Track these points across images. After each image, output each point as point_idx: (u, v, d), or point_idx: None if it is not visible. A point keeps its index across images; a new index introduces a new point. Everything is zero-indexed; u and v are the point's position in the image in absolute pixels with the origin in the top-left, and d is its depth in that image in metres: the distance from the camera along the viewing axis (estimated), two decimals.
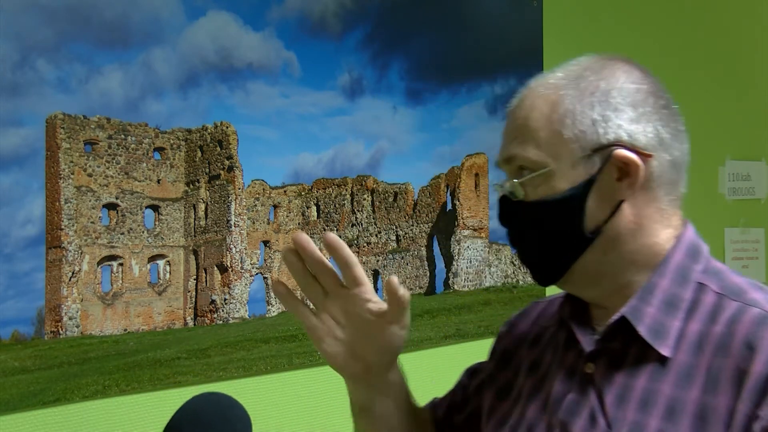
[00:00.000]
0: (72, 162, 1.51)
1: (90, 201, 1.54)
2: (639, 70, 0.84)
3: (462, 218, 2.20)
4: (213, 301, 1.72)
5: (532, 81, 0.87)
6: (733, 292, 0.79)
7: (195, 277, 1.70)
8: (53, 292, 1.49)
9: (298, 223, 1.87)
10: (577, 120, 0.79)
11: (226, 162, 1.73)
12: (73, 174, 1.52)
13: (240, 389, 1.68)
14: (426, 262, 2.13)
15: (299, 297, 0.96)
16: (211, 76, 1.69)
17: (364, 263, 1.99)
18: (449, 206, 2.18)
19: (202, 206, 1.71)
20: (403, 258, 2.07)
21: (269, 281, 1.82)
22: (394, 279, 0.81)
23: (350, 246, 2.00)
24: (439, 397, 1.15)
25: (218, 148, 1.72)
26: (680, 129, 0.82)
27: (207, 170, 1.72)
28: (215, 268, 1.73)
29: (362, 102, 1.97)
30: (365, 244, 2.00)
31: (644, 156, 0.78)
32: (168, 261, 1.67)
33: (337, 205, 1.94)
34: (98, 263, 1.56)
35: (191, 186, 1.70)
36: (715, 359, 0.74)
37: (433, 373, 2.13)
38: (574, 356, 0.85)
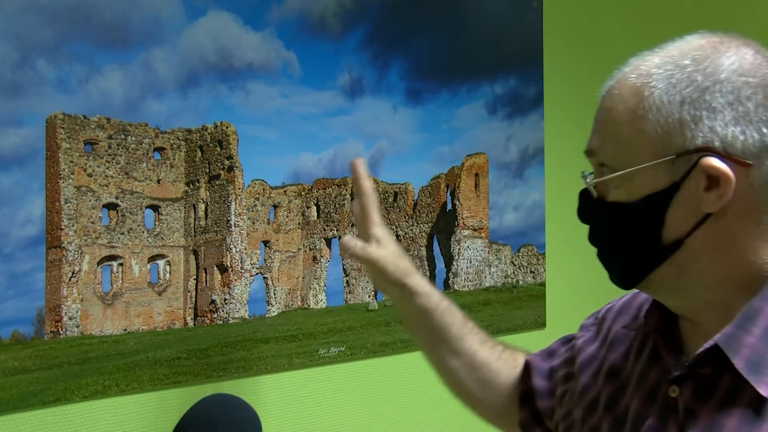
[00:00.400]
0: (72, 162, 1.51)
1: (90, 201, 1.54)
2: (755, 57, 0.71)
3: (462, 218, 2.20)
4: (213, 301, 1.72)
5: (629, 61, 0.77)
6: None
7: (195, 277, 1.70)
8: (53, 292, 1.49)
9: (298, 223, 1.87)
10: (663, 118, 0.70)
11: (226, 162, 1.73)
12: (73, 174, 1.52)
13: (240, 389, 1.68)
14: (426, 262, 2.13)
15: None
16: (211, 76, 1.69)
17: None
18: (449, 206, 2.18)
19: (202, 206, 1.71)
20: None
21: (269, 281, 1.82)
22: (344, 240, 0.94)
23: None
24: (537, 354, 1.04)
25: (218, 148, 1.72)
26: None
27: (207, 170, 1.72)
28: (215, 268, 1.73)
29: (362, 102, 1.97)
30: None
31: (741, 165, 0.68)
32: (168, 261, 1.67)
33: (337, 205, 1.94)
34: (98, 263, 1.56)
35: (191, 186, 1.70)
36: None
37: (433, 373, 2.13)
38: (658, 373, 0.77)
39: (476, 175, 2.24)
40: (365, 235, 0.99)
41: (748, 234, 0.71)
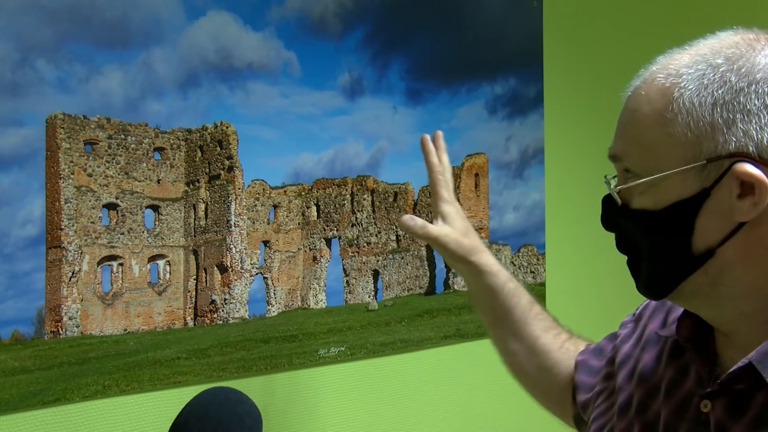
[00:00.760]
0: (72, 162, 1.51)
1: (90, 201, 1.54)
2: None
3: None
4: (213, 301, 1.72)
5: (657, 59, 0.72)
6: None
7: (195, 277, 1.70)
8: (53, 292, 1.49)
9: (298, 223, 1.87)
10: (693, 122, 0.66)
11: (226, 162, 1.73)
12: (73, 174, 1.52)
13: (240, 389, 1.68)
14: (426, 262, 2.13)
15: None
16: (211, 76, 1.69)
17: (364, 263, 1.99)
18: None
19: (202, 206, 1.71)
20: (403, 258, 2.07)
21: (269, 281, 1.82)
22: (404, 219, 0.93)
23: (350, 246, 2.01)
24: (587, 351, 1.01)
25: (218, 148, 1.72)
26: None
27: (207, 170, 1.72)
28: (215, 268, 1.73)
29: (362, 102, 1.97)
30: (365, 244, 2.00)
31: None
32: (168, 261, 1.67)
33: (337, 205, 1.94)
34: (98, 263, 1.56)
35: (191, 186, 1.70)
36: None
37: (433, 373, 2.13)
38: (691, 384, 0.74)
39: (476, 175, 2.24)
40: (434, 212, 1.00)
41: None
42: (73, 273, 1.52)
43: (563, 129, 2.40)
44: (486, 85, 2.25)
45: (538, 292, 2.41)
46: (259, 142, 1.78)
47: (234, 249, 1.75)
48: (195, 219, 1.70)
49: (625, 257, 0.78)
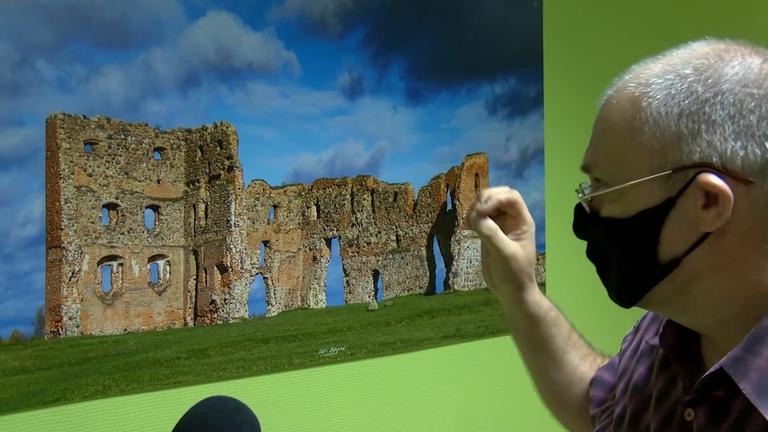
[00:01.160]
0: (72, 162, 1.51)
1: (90, 201, 1.54)
2: (762, 67, 0.67)
3: (462, 218, 2.20)
4: (213, 301, 1.72)
5: (631, 68, 0.73)
6: None
7: (195, 277, 1.70)
8: (53, 292, 1.49)
9: (298, 223, 1.87)
10: (659, 131, 0.66)
11: (226, 162, 1.73)
12: (73, 174, 1.52)
13: (240, 389, 1.68)
14: (426, 262, 2.13)
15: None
16: (211, 76, 1.69)
17: (364, 263, 1.99)
18: (449, 206, 2.18)
19: (202, 206, 1.71)
20: (403, 258, 2.07)
21: (269, 281, 1.82)
22: (488, 223, 0.86)
23: (350, 246, 2.01)
24: (603, 367, 1.01)
25: (218, 148, 1.72)
26: None
27: (207, 170, 1.72)
28: (215, 268, 1.73)
29: (362, 102, 1.97)
30: (365, 244, 2.00)
31: (741, 182, 0.64)
32: (168, 261, 1.67)
33: (337, 205, 1.94)
34: (98, 263, 1.56)
35: (191, 186, 1.70)
36: None
37: (433, 373, 2.13)
38: (677, 393, 0.74)
39: (476, 175, 2.24)
40: (513, 227, 0.92)
41: (750, 254, 0.67)
42: (73, 273, 1.52)
43: (563, 129, 2.40)
44: (486, 85, 2.25)
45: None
46: (259, 142, 1.78)
47: (234, 249, 1.75)
48: (195, 219, 1.70)
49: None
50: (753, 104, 0.65)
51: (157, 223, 1.65)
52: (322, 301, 1.91)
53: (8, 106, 1.42)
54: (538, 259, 2.40)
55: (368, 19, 1.97)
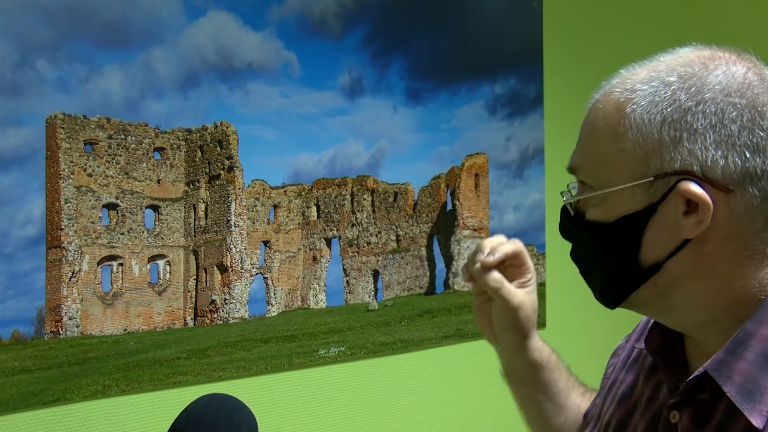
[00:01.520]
0: (72, 162, 1.51)
1: (90, 201, 1.54)
2: (746, 76, 0.68)
3: (462, 218, 2.20)
4: (213, 301, 1.72)
5: (619, 72, 0.74)
6: None
7: (195, 277, 1.70)
8: (53, 292, 1.49)
9: (298, 223, 1.87)
10: (642, 138, 0.67)
11: (226, 162, 1.73)
12: (73, 174, 1.52)
13: (240, 389, 1.68)
14: (426, 262, 2.13)
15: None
16: (211, 76, 1.69)
17: (364, 263, 1.99)
18: (449, 206, 2.18)
19: (202, 206, 1.71)
20: (403, 258, 2.07)
21: (269, 281, 1.82)
22: (494, 276, 0.84)
23: (350, 246, 2.01)
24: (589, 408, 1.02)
25: (218, 148, 1.72)
26: None
27: (207, 170, 1.72)
28: (215, 268, 1.73)
29: (362, 102, 1.97)
30: (365, 244, 2.00)
31: (722, 190, 0.65)
32: (168, 261, 1.67)
33: (337, 205, 1.94)
34: (98, 263, 1.56)
35: (191, 186, 1.70)
36: None
37: (433, 373, 2.13)
38: (663, 396, 0.75)
39: (476, 175, 2.24)
40: (517, 275, 0.91)
41: (730, 260, 0.68)
42: (73, 273, 1.52)
43: (563, 129, 2.40)
44: (486, 85, 2.25)
45: (539, 292, 2.40)
46: (259, 142, 1.79)
47: (234, 249, 1.75)
48: (195, 219, 1.70)
49: None
50: (734, 113, 0.65)
51: (157, 223, 1.65)
52: (322, 301, 1.91)
53: (8, 106, 1.42)
54: (538, 259, 2.40)
55: (368, 19, 1.97)
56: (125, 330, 1.60)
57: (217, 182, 1.73)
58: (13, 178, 1.44)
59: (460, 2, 2.18)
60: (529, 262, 0.90)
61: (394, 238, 2.06)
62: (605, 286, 0.75)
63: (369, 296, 2.00)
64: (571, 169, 0.76)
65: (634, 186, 0.68)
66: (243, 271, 1.77)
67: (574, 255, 0.78)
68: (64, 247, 1.50)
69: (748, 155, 0.65)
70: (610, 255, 0.72)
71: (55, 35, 1.48)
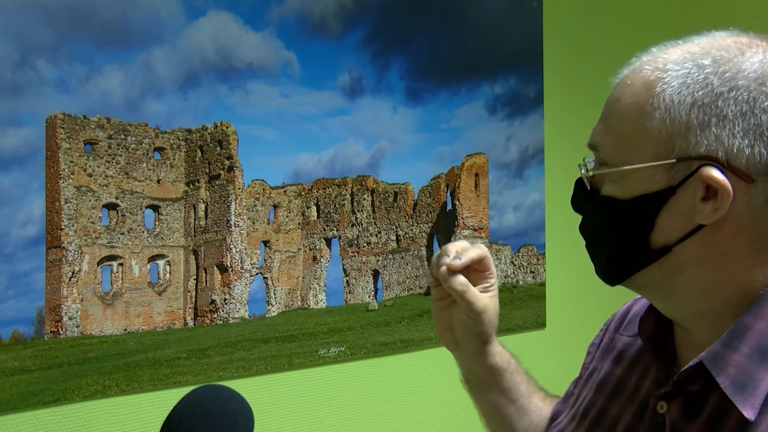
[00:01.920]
0: (72, 162, 1.51)
1: (90, 201, 1.54)
2: None
3: (462, 218, 2.20)
4: (213, 301, 1.72)
5: (650, 50, 0.72)
6: None
7: (195, 277, 1.70)
8: (53, 292, 1.49)
9: (298, 223, 1.87)
10: (669, 119, 0.66)
11: (226, 162, 1.73)
12: (73, 174, 1.52)
13: (240, 389, 1.68)
14: (426, 262, 2.13)
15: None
16: (211, 76, 1.69)
17: (364, 263, 1.99)
18: (449, 206, 2.18)
19: (202, 206, 1.71)
20: (403, 258, 2.07)
21: (269, 281, 1.82)
22: (460, 281, 0.83)
23: (350, 246, 2.01)
24: (556, 407, 1.01)
25: (218, 148, 1.72)
26: None
27: (207, 170, 1.72)
28: (215, 268, 1.73)
29: (362, 102, 1.97)
30: (365, 244, 2.00)
31: (743, 179, 0.64)
32: (168, 261, 1.67)
33: (337, 205, 1.94)
34: (98, 263, 1.56)
35: (191, 186, 1.70)
36: None
37: (433, 373, 2.13)
38: (650, 386, 0.75)
39: (476, 175, 2.24)
40: (480, 280, 0.90)
41: (741, 252, 0.67)
42: (73, 273, 1.52)
43: (563, 129, 2.40)
44: (486, 85, 2.25)
45: (538, 292, 2.41)
46: (259, 142, 1.79)
47: (234, 249, 1.75)
48: (195, 219, 1.70)
49: None
50: (767, 103, 0.65)
51: (157, 223, 1.65)
52: (322, 301, 1.91)
53: (8, 106, 1.42)
54: (538, 259, 2.40)
55: (368, 19, 1.97)
56: (125, 330, 1.60)
57: (217, 182, 1.73)
58: (13, 178, 1.44)
59: (460, 2, 2.18)
60: (493, 268, 0.89)
61: (394, 238, 2.06)
62: (611, 263, 0.74)
63: (369, 296, 2.00)
64: (592, 146, 0.74)
65: (655, 166, 0.67)
66: (243, 271, 1.77)
67: (583, 228, 0.77)
68: (64, 247, 1.50)
69: None
70: (621, 232, 0.71)
71: (55, 35, 1.48)
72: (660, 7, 2.65)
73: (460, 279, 0.85)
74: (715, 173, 0.64)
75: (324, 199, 1.92)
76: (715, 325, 0.69)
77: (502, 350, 0.94)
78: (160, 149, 1.64)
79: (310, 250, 1.90)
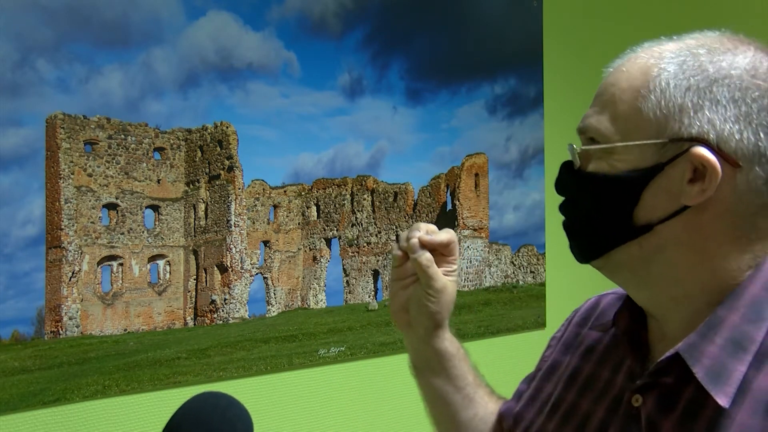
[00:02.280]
0: (72, 162, 1.51)
1: (90, 201, 1.54)
2: None
3: (462, 218, 2.21)
4: (213, 301, 1.72)
5: (644, 44, 0.75)
6: None
7: (195, 277, 1.70)
8: (53, 292, 1.49)
9: (298, 223, 1.87)
10: (665, 101, 0.68)
11: (226, 162, 1.73)
12: (73, 174, 1.52)
13: (240, 389, 1.68)
14: None
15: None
16: (211, 76, 1.69)
17: (364, 263, 1.99)
18: (449, 206, 2.18)
19: (202, 206, 1.71)
20: None
21: (269, 281, 1.82)
22: (427, 257, 0.86)
23: (350, 246, 2.01)
24: (505, 405, 1.01)
25: (218, 148, 1.72)
26: None
27: (207, 170, 1.72)
28: (215, 268, 1.73)
29: (362, 102, 1.97)
30: (365, 244, 2.00)
31: (731, 164, 0.66)
32: (168, 261, 1.67)
33: (337, 205, 1.94)
34: (98, 263, 1.56)
35: (191, 186, 1.70)
36: None
37: None
38: (624, 379, 0.76)
39: (476, 175, 2.24)
40: (443, 264, 0.93)
41: (721, 237, 0.69)
42: (73, 273, 1.52)
43: (563, 129, 2.40)
44: (486, 85, 2.25)
45: (538, 292, 2.41)
46: (259, 142, 1.79)
47: (234, 249, 1.75)
48: (195, 219, 1.70)
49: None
50: (757, 94, 0.67)
51: (157, 223, 1.65)
52: (322, 301, 1.91)
53: (8, 106, 1.42)
54: (538, 259, 2.40)
55: (368, 19, 1.97)
56: (125, 330, 1.60)
57: (217, 182, 1.73)
58: (13, 178, 1.44)
59: (460, 2, 2.18)
60: (457, 254, 0.92)
61: (394, 238, 2.06)
62: (590, 238, 0.75)
63: (369, 296, 2.00)
64: (582, 130, 0.76)
65: (646, 145, 0.69)
66: (243, 271, 1.77)
67: (564, 207, 0.78)
68: (64, 247, 1.50)
69: (762, 135, 0.67)
70: (605, 207, 0.72)
71: (55, 35, 1.48)
72: (660, 7, 2.65)
73: (427, 255, 0.89)
74: (706, 152, 0.66)
75: (324, 199, 1.92)
76: (689, 315, 0.71)
77: (453, 338, 0.95)
78: (160, 149, 1.64)
79: (310, 250, 1.90)
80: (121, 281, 1.60)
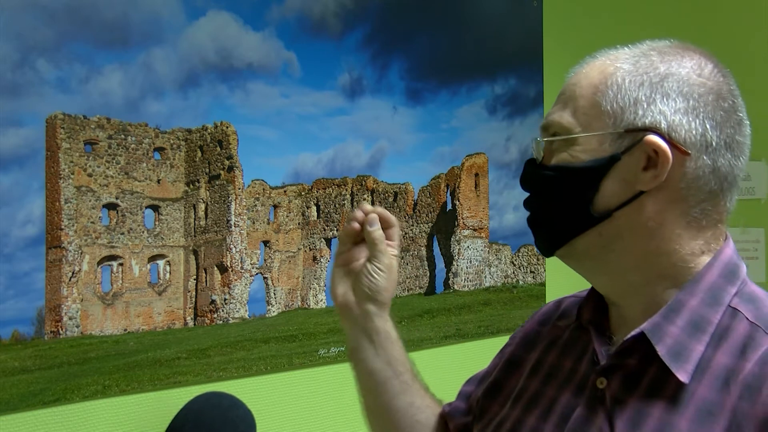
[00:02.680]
0: (72, 162, 1.51)
1: (90, 201, 1.54)
2: (714, 67, 0.77)
3: (462, 218, 2.21)
4: (213, 301, 1.72)
5: (601, 51, 0.83)
6: None
7: (195, 277, 1.70)
8: (53, 292, 1.49)
9: (298, 223, 1.87)
10: (620, 95, 0.75)
11: (226, 162, 1.73)
12: (73, 174, 1.52)
13: (240, 389, 1.68)
14: (426, 262, 2.13)
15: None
16: (211, 76, 1.69)
17: None
18: (449, 206, 2.18)
19: (202, 206, 1.71)
20: (403, 258, 2.07)
21: (269, 281, 1.82)
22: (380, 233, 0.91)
23: None
24: (450, 405, 1.03)
25: (218, 148, 1.72)
26: (738, 140, 0.76)
27: (207, 170, 1.72)
28: (215, 268, 1.73)
29: (362, 102, 1.97)
30: None
31: (680, 152, 0.73)
32: (168, 261, 1.67)
33: (337, 205, 1.94)
34: (98, 263, 1.56)
35: (191, 186, 1.70)
36: (741, 402, 0.67)
37: (433, 373, 2.13)
38: (588, 365, 0.80)
39: (476, 175, 2.24)
40: (386, 246, 0.96)
41: (674, 223, 0.75)
42: (73, 273, 1.52)
43: None
44: (486, 85, 2.25)
45: (538, 292, 2.41)
46: (259, 142, 1.79)
47: (234, 249, 1.75)
48: (195, 219, 1.70)
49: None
50: (702, 90, 0.75)
51: (157, 223, 1.65)
52: (322, 301, 1.91)
53: (8, 106, 1.42)
54: (537, 259, 2.40)
55: (368, 19, 1.97)
56: (125, 330, 1.60)
57: (217, 182, 1.73)
58: (13, 178, 1.44)
59: (460, 2, 2.18)
60: (398, 241, 0.97)
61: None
62: (553, 229, 0.82)
63: None
64: (544, 127, 0.81)
65: (604, 135, 0.75)
66: (243, 271, 1.77)
67: (528, 202, 0.84)
68: (64, 247, 1.50)
69: (708, 127, 0.74)
70: (566, 196, 0.78)
71: (55, 35, 1.48)
72: (660, 7, 2.65)
73: (380, 229, 0.93)
74: (658, 140, 0.73)
75: (324, 199, 1.92)
76: (648, 300, 0.76)
77: (393, 325, 0.97)
78: (160, 149, 1.64)
79: (310, 250, 1.90)
80: (121, 281, 1.60)
